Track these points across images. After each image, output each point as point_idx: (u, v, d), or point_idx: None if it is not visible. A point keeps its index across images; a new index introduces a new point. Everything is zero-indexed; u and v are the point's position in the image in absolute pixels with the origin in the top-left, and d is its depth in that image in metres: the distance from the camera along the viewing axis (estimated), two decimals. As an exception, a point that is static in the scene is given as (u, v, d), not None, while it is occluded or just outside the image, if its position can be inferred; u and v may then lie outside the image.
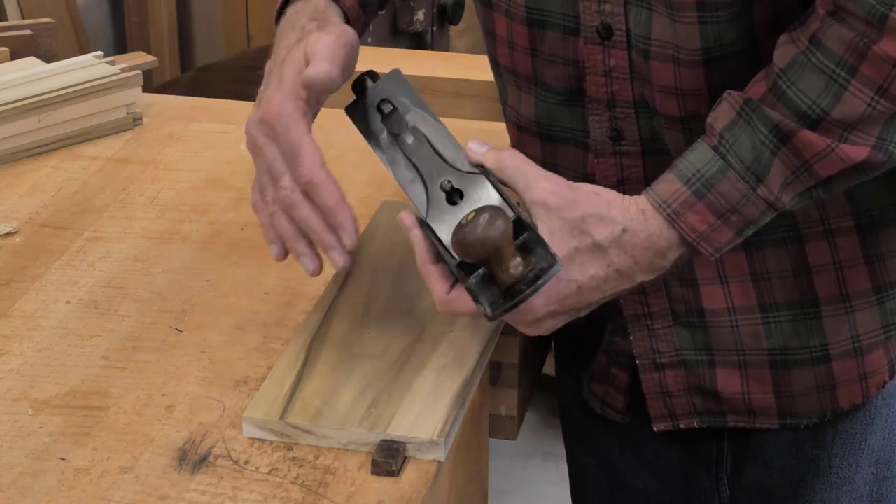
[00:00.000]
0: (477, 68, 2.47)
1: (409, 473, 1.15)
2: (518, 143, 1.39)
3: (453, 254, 1.17)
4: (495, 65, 1.38)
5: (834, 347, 1.31)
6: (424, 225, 1.20)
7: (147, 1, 3.65)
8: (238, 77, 3.20)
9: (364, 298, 1.35)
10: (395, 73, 1.29)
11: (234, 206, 1.56)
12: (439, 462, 1.16)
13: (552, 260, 1.13)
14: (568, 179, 1.30)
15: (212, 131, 1.74)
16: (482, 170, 1.21)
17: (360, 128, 1.28)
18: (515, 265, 1.13)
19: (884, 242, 1.30)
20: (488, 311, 1.14)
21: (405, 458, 1.16)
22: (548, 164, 1.36)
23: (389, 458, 1.14)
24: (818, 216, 1.27)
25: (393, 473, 1.14)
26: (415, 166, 1.23)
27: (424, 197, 1.22)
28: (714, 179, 1.15)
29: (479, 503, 1.41)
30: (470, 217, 1.13)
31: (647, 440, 1.41)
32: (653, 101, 1.24)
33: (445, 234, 1.19)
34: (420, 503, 1.12)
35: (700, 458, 1.42)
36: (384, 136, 1.26)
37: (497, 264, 1.14)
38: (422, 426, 1.17)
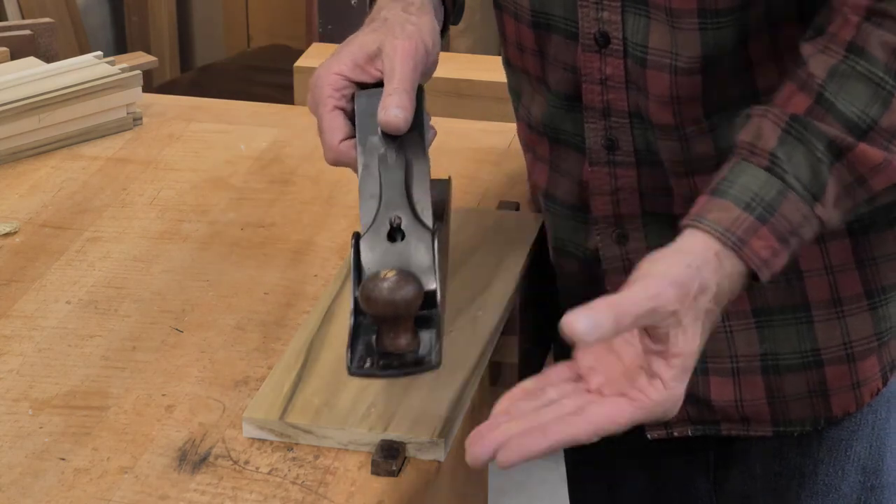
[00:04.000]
0: (477, 68, 2.47)
1: (409, 473, 1.15)
2: (529, 143, 1.39)
3: (360, 282, 1.17)
4: (508, 65, 1.38)
5: (826, 353, 1.31)
6: (356, 238, 1.20)
7: (147, 1, 3.65)
8: (238, 77, 3.20)
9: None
10: (419, 89, 1.27)
11: (234, 206, 1.56)
12: (439, 462, 1.16)
13: (434, 358, 1.12)
14: (567, 185, 1.31)
15: (212, 131, 1.74)
16: (434, 230, 1.20)
17: (357, 116, 1.25)
18: (403, 340, 1.13)
19: (876, 247, 1.29)
20: (351, 364, 1.13)
21: (405, 458, 1.16)
22: (553, 165, 1.36)
23: (389, 458, 1.14)
24: None
25: (393, 473, 1.14)
26: (380, 186, 1.22)
27: (371, 218, 1.20)
28: (775, 202, 1.08)
29: (480, 503, 1.41)
30: (387, 275, 1.12)
31: (645, 445, 1.41)
32: (647, 111, 1.24)
33: (367, 257, 1.19)
34: (420, 503, 1.12)
35: (699, 464, 1.42)
36: (373, 139, 1.24)
37: (388, 330, 1.14)
38: (422, 426, 1.17)
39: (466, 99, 2.39)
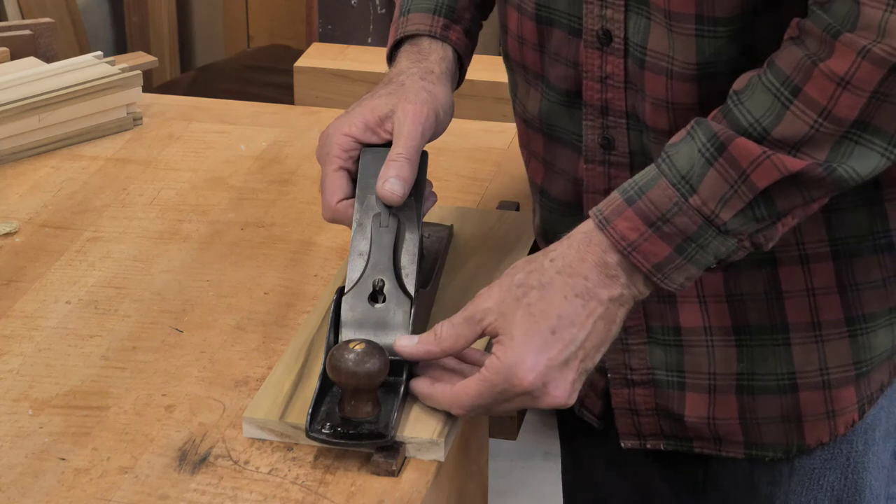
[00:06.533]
0: (477, 68, 2.46)
1: (409, 473, 1.15)
2: (524, 139, 1.39)
3: (335, 337, 1.22)
4: (507, 59, 1.39)
5: (801, 377, 1.30)
6: (339, 294, 1.24)
7: (147, 1, 3.65)
8: (238, 77, 3.20)
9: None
10: (422, 155, 1.31)
11: (234, 206, 1.56)
12: (439, 462, 1.16)
13: (386, 432, 1.15)
14: (562, 183, 1.31)
15: (212, 131, 1.74)
16: (413, 299, 1.23)
17: (360, 174, 1.30)
18: (363, 410, 1.16)
19: (859, 273, 1.27)
20: (308, 425, 1.16)
21: (405, 458, 1.16)
22: (547, 162, 1.36)
23: (389, 458, 1.14)
24: (794, 240, 1.25)
25: (393, 473, 1.14)
26: (370, 247, 1.26)
27: (357, 276, 1.25)
28: (646, 187, 1.14)
29: (479, 503, 1.40)
30: (356, 346, 1.16)
31: (632, 459, 1.41)
32: (644, 113, 1.24)
33: (347, 316, 1.23)
34: (420, 503, 1.12)
35: (685, 483, 1.41)
36: (371, 198, 1.28)
37: (349, 398, 1.17)
38: (422, 426, 1.17)
39: (466, 99, 2.39)
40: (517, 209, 1.53)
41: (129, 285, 1.41)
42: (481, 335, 1.17)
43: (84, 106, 1.70)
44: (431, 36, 1.38)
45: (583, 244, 1.16)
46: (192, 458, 1.16)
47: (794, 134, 1.10)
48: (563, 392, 1.15)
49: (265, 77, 3.16)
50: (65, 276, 1.43)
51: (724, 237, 1.13)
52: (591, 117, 1.28)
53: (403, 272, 1.25)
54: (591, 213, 1.17)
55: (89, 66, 1.75)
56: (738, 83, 1.14)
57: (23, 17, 3.22)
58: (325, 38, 3.20)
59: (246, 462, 1.16)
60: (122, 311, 1.37)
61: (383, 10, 3.12)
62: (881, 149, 1.10)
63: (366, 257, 1.25)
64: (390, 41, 1.41)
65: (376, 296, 1.24)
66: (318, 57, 2.67)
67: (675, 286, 1.15)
